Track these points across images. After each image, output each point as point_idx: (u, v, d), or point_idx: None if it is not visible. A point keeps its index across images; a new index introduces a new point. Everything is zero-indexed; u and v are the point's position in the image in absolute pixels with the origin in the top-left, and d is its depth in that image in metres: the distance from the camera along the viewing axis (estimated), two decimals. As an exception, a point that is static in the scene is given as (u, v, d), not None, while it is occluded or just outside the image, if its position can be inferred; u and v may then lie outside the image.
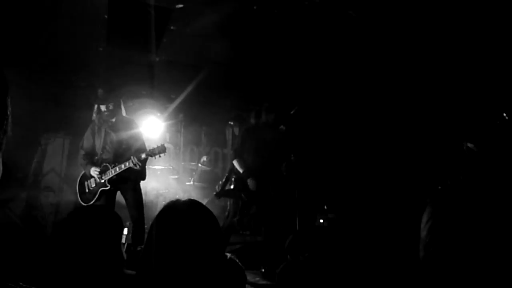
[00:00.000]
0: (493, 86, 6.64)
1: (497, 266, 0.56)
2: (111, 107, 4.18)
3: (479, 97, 6.87)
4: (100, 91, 4.25)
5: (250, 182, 4.42)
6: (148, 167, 6.76)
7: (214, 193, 4.59)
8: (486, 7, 4.92)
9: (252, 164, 4.52)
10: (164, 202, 6.90)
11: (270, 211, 4.54)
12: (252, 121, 4.84)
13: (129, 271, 1.80)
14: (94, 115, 4.26)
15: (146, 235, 4.21)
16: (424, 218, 0.68)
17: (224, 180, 4.76)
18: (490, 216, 0.60)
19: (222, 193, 4.55)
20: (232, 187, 4.60)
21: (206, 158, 7.82)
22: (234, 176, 4.68)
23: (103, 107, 4.16)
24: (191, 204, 1.38)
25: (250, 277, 4.26)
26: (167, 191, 7.26)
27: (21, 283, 1.31)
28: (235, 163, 4.59)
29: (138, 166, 4.01)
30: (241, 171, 4.50)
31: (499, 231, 0.59)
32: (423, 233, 0.69)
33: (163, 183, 7.45)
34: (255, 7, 5.10)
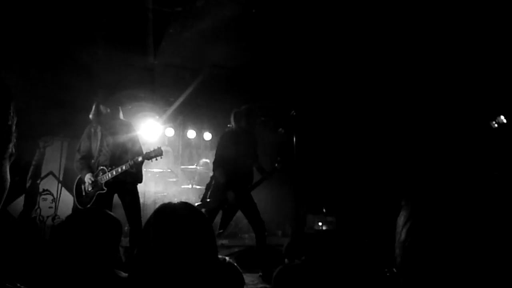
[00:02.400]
0: (479, 90, 6.68)
1: (484, 269, 0.56)
2: (109, 109, 4.20)
3: (468, 100, 6.89)
4: (101, 91, 4.27)
5: (229, 195, 4.39)
6: (146, 170, 6.79)
7: (197, 204, 4.50)
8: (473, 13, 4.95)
9: (235, 172, 4.48)
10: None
11: (257, 216, 4.54)
12: (232, 126, 4.77)
13: (126, 274, 1.80)
14: (91, 115, 4.25)
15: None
16: (401, 221, 0.68)
17: (205, 188, 4.71)
18: (475, 216, 0.60)
19: (203, 205, 4.51)
20: (208, 200, 4.55)
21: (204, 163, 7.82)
22: (213, 184, 4.59)
23: (102, 108, 4.17)
24: (183, 206, 1.38)
25: (248, 281, 4.26)
26: (165, 194, 7.26)
27: (18, 284, 1.31)
28: (216, 173, 4.53)
29: (134, 169, 4.02)
30: (222, 181, 4.45)
31: (485, 233, 0.59)
32: (402, 236, 0.68)
33: (161, 186, 7.44)
34: (253, 11, 5.12)
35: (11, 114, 0.91)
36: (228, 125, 4.82)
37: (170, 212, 1.35)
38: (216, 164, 4.56)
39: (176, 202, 1.41)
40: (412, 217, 0.71)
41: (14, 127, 0.91)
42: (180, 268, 1.23)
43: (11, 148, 0.91)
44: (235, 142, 4.56)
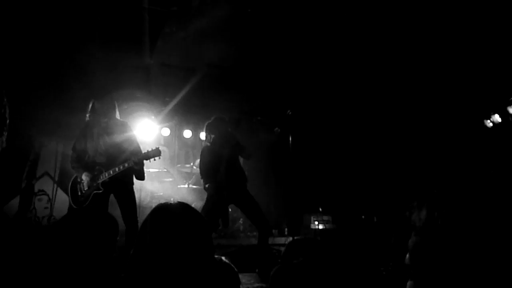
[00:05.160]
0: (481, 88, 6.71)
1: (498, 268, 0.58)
2: (105, 107, 4.20)
3: (469, 98, 6.93)
4: (97, 91, 4.31)
5: (208, 188, 4.60)
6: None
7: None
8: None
9: (224, 181, 4.58)
10: (158, 205, 6.88)
11: (259, 214, 4.58)
12: (208, 139, 4.89)
13: (123, 274, 1.79)
14: (87, 115, 4.24)
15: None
16: (420, 215, 0.68)
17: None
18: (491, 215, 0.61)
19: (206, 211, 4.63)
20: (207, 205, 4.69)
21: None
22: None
23: (98, 106, 4.18)
24: (181, 207, 1.38)
25: (245, 280, 4.26)
26: (161, 194, 7.25)
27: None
28: (203, 182, 4.75)
29: (138, 166, 4.04)
30: (204, 186, 4.67)
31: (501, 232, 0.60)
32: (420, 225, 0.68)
33: (158, 186, 7.43)
34: (249, 10, 5.12)
35: (5, 106, 0.91)
36: (204, 137, 4.96)
37: (167, 212, 1.36)
38: (201, 175, 4.80)
39: (172, 202, 1.41)
40: (438, 212, 0.72)
41: (7, 120, 0.92)
42: (176, 268, 1.23)
43: (3, 140, 0.91)
44: (214, 156, 4.67)
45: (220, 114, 4.92)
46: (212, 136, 4.77)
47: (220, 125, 4.78)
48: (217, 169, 4.61)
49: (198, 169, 7.49)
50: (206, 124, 4.86)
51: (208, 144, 4.83)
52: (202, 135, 8.29)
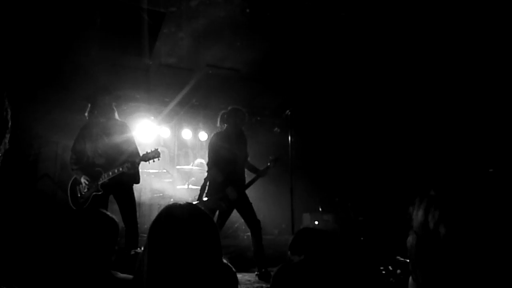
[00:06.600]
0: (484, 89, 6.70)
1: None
2: (104, 109, 4.20)
3: (472, 98, 6.92)
4: (96, 92, 4.30)
5: (229, 191, 4.40)
6: (142, 170, 6.75)
7: (194, 202, 4.53)
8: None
9: (229, 172, 4.49)
10: (158, 206, 6.91)
11: (253, 215, 4.56)
12: (221, 127, 4.80)
13: (123, 275, 1.80)
14: (86, 113, 4.25)
15: (140, 239, 4.16)
16: (417, 215, 0.69)
17: (200, 189, 4.73)
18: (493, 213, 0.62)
19: (200, 204, 4.52)
20: (205, 198, 4.57)
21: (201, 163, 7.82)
22: (208, 185, 4.62)
23: (97, 108, 4.19)
24: (189, 208, 1.38)
25: (244, 280, 4.27)
26: (161, 194, 7.25)
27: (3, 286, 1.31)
28: (212, 172, 4.55)
29: (132, 171, 4.02)
30: (219, 180, 4.46)
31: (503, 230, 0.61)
32: (440, 229, 0.69)
33: (157, 187, 7.43)
34: (248, 10, 5.12)
35: (6, 109, 0.91)
36: (217, 126, 4.85)
37: (175, 213, 1.35)
38: (211, 164, 4.57)
39: (180, 202, 1.41)
40: (444, 210, 0.72)
41: (9, 123, 0.92)
42: (184, 270, 1.23)
43: (6, 142, 0.91)
44: (226, 142, 4.57)
45: (237, 106, 4.83)
46: (226, 125, 4.69)
47: (236, 116, 4.70)
48: (229, 164, 4.53)
49: (198, 168, 7.56)
50: (221, 113, 4.80)
51: (222, 129, 4.73)
52: (202, 136, 8.31)
